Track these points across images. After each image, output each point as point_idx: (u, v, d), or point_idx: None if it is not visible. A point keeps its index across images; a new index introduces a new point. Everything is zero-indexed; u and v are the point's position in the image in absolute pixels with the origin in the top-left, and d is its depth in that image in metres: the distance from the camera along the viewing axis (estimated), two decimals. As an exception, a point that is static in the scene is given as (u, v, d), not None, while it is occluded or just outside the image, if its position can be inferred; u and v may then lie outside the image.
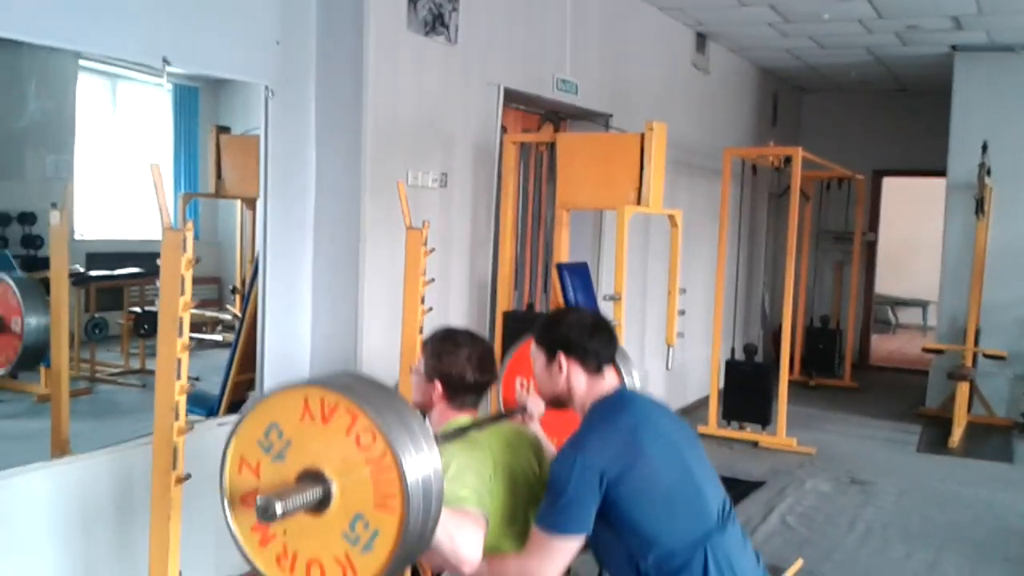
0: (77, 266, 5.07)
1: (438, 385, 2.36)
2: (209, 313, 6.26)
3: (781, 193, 8.35)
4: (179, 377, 2.39)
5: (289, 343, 4.15)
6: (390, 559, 1.78)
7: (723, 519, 2.20)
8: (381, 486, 1.78)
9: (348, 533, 1.82)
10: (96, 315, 5.41)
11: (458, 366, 2.38)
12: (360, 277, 4.09)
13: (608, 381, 2.31)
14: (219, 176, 5.31)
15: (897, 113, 9.73)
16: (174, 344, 2.38)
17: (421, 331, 3.38)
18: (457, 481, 2.10)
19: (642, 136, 4.27)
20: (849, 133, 9.76)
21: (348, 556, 1.83)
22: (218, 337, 6.07)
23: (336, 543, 1.83)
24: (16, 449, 3.33)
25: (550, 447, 2.54)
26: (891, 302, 13.35)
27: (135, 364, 5.99)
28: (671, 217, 4.61)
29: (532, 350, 2.39)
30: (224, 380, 4.74)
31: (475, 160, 4.77)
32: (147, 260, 6.71)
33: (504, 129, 4.91)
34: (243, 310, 4.83)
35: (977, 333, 7.34)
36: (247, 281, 5.04)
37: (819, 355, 9.29)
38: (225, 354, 4.95)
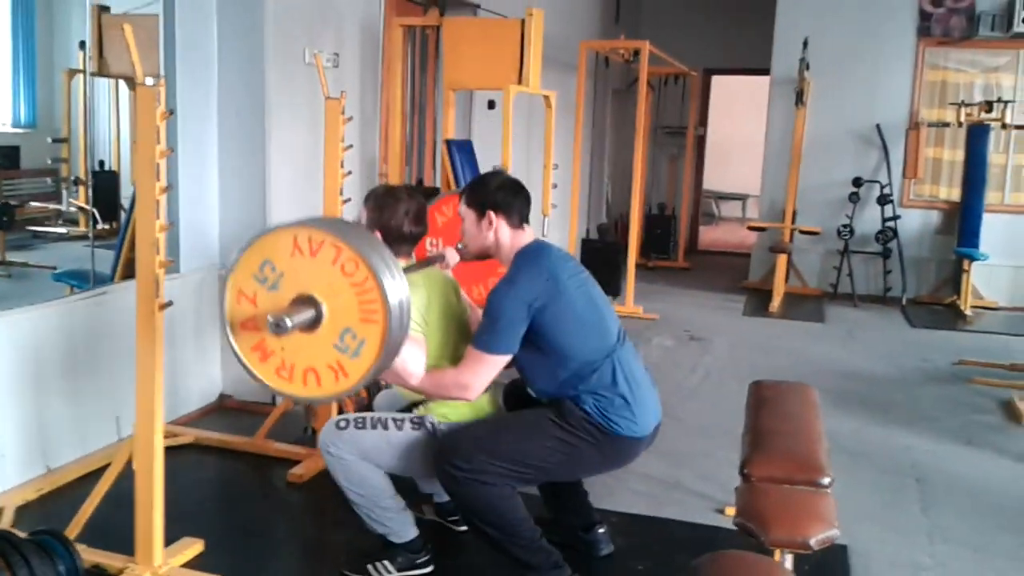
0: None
1: (378, 235, 2.78)
2: (52, 206, 6.26)
3: (630, 84, 8.98)
4: (158, 217, 2.70)
5: (199, 215, 4.42)
6: (376, 361, 2.23)
7: (621, 337, 2.82)
8: (365, 304, 2.21)
9: (339, 344, 2.25)
10: (-51, 211, 5.34)
11: (397, 218, 2.85)
12: (266, 150, 4.39)
13: (527, 234, 2.83)
14: (101, 55, 5.35)
15: (727, 13, 10.43)
16: (153, 189, 2.68)
17: (341, 193, 3.75)
18: None
19: (523, 22, 4.71)
20: (683, 33, 10.35)
21: (339, 363, 2.26)
22: (62, 230, 6.11)
23: (328, 353, 2.26)
24: None
25: (463, 293, 3.10)
26: (715, 196, 14.45)
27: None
28: (546, 98, 5.11)
29: (462, 210, 2.87)
30: (116, 258, 4.94)
31: (362, 42, 5.08)
32: (-2, 153, 6.59)
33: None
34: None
35: (794, 213, 8.31)
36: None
37: (656, 239, 10.15)
38: (73, 247, 5.17)
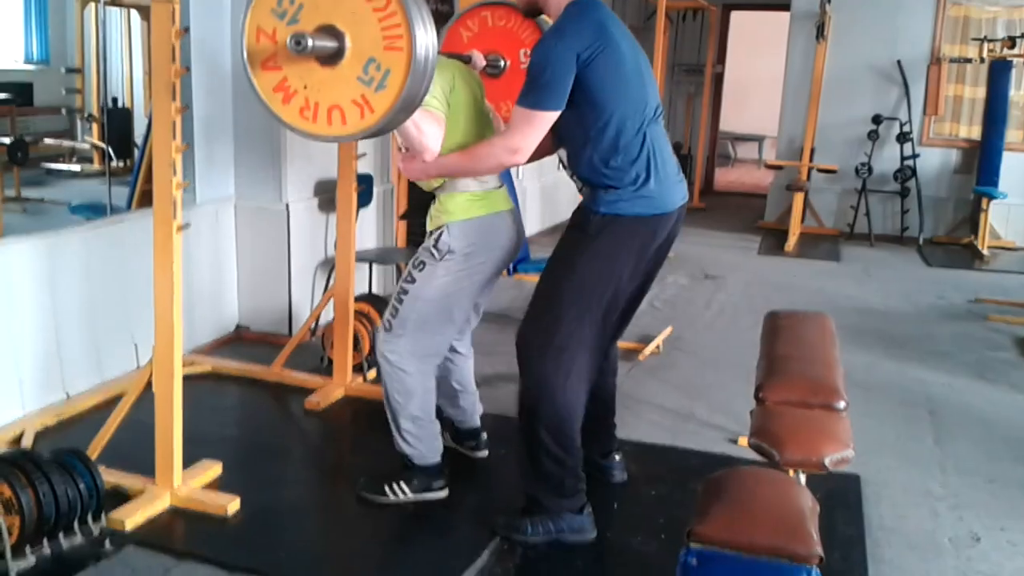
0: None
1: None
2: (67, 143, 6.23)
3: (647, 18, 8.83)
4: (175, 137, 2.68)
5: (214, 146, 4.40)
6: (400, 93, 2.16)
7: (656, 115, 2.67)
8: (388, 30, 2.14)
9: (363, 76, 2.19)
10: (-34, 145, 5.33)
11: None
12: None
13: None
14: (114, -15, 5.30)
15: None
16: (169, 107, 2.66)
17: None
18: None
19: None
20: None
21: (364, 96, 2.20)
22: (76, 167, 6.09)
23: (353, 87, 2.20)
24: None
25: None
26: (731, 137, 14.28)
27: (10, 193, 6.00)
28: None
29: None
30: (131, 190, 4.94)
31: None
32: (12, 89, 6.57)
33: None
34: (150, 116, 4.98)
35: (812, 152, 8.21)
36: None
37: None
38: (88, 184, 5.29)
